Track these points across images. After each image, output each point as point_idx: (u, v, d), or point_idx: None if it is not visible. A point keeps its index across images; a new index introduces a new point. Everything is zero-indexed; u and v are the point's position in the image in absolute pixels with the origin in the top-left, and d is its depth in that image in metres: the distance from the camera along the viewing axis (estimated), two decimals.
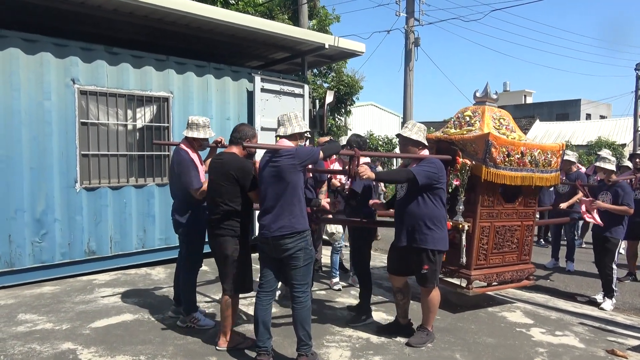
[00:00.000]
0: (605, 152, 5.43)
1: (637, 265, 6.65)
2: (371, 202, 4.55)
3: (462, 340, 4.11)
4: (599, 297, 5.41)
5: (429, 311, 3.97)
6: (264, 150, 3.64)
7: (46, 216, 5.48)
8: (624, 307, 5.40)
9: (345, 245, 6.43)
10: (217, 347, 3.74)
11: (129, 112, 6.11)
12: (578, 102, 40.19)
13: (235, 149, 3.70)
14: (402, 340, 4.01)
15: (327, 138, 4.79)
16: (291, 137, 3.52)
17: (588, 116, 39.61)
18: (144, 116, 6.26)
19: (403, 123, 8.00)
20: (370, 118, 25.55)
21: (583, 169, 8.31)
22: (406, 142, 3.95)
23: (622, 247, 6.45)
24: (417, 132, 3.89)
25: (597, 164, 5.41)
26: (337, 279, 5.64)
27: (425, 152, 4.00)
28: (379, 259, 7.33)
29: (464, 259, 4.54)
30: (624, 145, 26.61)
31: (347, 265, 6.16)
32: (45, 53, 5.41)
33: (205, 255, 4.32)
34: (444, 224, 3.88)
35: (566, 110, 39.99)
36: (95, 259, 5.88)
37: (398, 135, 4.04)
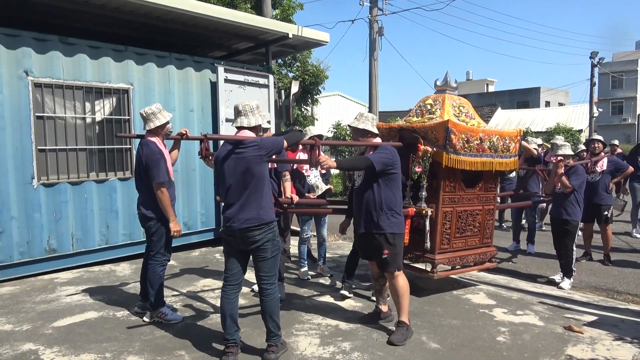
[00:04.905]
0: (559, 140, 5.65)
1: (592, 245, 6.97)
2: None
3: (429, 323, 4.21)
4: (557, 277, 5.65)
5: (398, 297, 3.90)
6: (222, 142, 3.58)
7: (1, 214, 5.26)
8: (581, 285, 5.64)
9: (313, 235, 6.47)
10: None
11: (87, 105, 5.92)
12: (538, 90, 41.46)
13: None
14: (371, 326, 4.08)
15: (270, 133, 4.84)
16: (254, 128, 3.50)
17: (547, 103, 40.95)
18: (103, 109, 6.07)
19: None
20: (337, 108, 25.65)
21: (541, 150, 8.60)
22: (356, 132, 4.10)
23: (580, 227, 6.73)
24: (364, 122, 4.03)
25: (559, 151, 5.59)
26: (305, 269, 5.67)
27: (377, 140, 4.11)
28: (348, 247, 7.41)
29: (428, 244, 4.64)
30: (580, 131, 27.73)
31: (315, 254, 6.19)
32: None
33: (173, 249, 4.28)
34: (400, 209, 3.97)
35: (527, 98, 41.20)
36: (56, 257, 5.69)
37: (349, 127, 4.17)
